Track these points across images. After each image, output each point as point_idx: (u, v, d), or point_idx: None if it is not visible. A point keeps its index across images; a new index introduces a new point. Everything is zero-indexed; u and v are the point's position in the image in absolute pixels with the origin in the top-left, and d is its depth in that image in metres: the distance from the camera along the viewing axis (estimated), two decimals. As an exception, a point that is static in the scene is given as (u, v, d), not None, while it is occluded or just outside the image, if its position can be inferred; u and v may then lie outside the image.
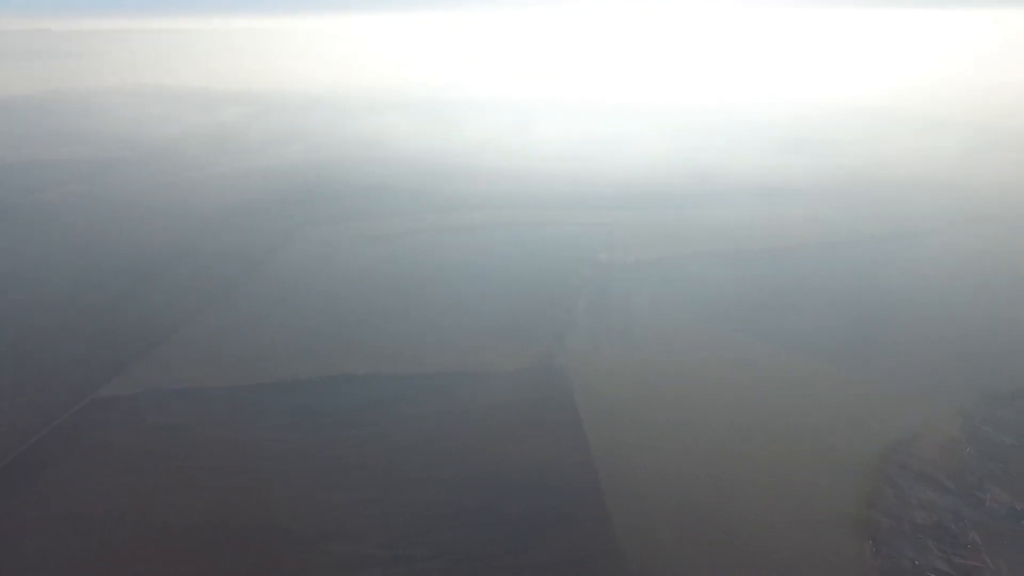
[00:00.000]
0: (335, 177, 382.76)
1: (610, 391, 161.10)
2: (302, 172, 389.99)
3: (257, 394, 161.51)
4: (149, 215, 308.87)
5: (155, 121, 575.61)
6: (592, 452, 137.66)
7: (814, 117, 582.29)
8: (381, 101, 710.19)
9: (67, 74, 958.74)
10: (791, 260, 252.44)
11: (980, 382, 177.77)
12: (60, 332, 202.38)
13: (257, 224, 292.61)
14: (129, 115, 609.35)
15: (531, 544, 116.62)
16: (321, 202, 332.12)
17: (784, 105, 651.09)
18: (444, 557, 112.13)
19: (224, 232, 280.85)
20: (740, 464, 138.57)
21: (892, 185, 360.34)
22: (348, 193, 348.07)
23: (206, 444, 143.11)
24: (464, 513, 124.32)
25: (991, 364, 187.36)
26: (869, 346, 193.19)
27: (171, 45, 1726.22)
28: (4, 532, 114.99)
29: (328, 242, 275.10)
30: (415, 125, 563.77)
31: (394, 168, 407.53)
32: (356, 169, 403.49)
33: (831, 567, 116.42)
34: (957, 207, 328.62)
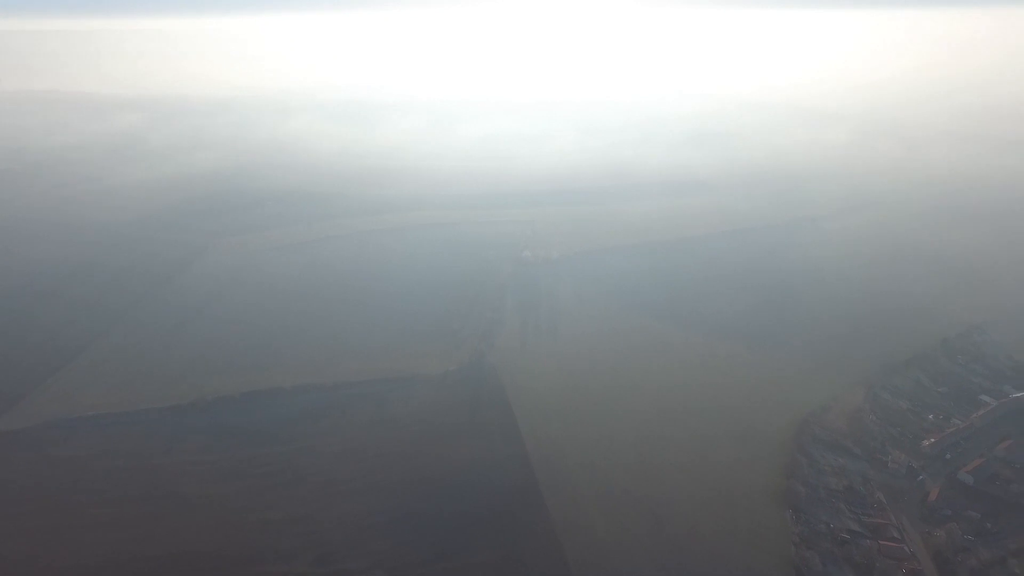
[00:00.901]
0: (248, 185, 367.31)
1: (541, 386, 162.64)
2: (212, 180, 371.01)
3: (174, 416, 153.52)
4: (44, 230, 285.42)
5: (45, 129, 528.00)
6: (527, 448, 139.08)
7: (716, 112, 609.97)
8: (291, 104, 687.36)
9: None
10: (702, 248, 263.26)
11: (877, 353, 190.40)
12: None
13: (166, 236, 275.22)
14: (15, 123, 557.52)
15: (470, 545, 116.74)
16: (234, 211, 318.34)
17: (689, 101, 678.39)
18: (381, 567, 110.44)
19: (129, 246, 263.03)
20: (666, 447, 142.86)
21: (788, 174, 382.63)
22: (263, 201, 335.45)
23: (119, 475, 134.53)
24: (401, 520, 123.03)
25: (885, 336, 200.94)
26: (777, 326, 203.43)
27: (61, 47, 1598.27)
28: None
29: (244, 252, 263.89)
30: (328, 128, 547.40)
31: (310, 173, 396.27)
32: (270, 175, 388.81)
33: (756, 538, 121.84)
34: (847, 193, 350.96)
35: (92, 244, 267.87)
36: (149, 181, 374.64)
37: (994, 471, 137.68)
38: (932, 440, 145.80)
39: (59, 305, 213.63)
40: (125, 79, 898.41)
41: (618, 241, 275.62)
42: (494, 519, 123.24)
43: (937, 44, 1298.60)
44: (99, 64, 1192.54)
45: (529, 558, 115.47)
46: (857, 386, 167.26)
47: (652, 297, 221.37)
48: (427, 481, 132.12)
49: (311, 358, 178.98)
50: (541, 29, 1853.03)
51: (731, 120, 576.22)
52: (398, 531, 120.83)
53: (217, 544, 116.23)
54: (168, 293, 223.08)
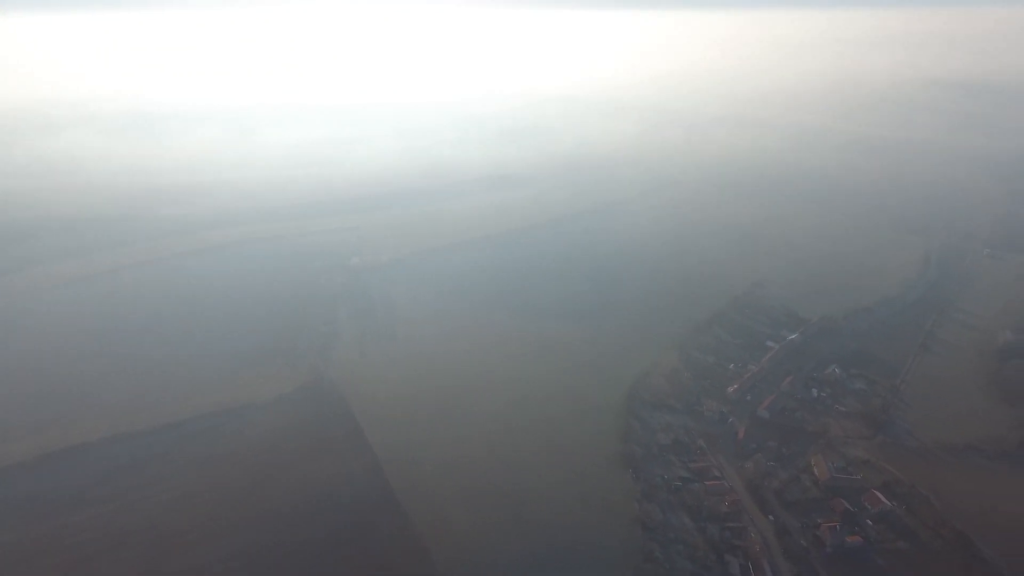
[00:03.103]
0: (16, 215, 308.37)
1: (385, 394, 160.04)
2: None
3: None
4: None
5: None
6: (379, 458, 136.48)
7: (523, 108, 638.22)
8: (56, 117, 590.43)
9: None
10: (526, 240, 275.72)
11: (685, 317, 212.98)
12: None
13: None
14: None
15: (335, 569, 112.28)
16: (6, 245, 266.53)
17: (497, 99, 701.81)
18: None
19: None
20: (513, 434, 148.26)
21: (594, 163, 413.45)
22: (41, 231, 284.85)
23: None
24: (255, 561, 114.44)
25: (690, 301, 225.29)
26: (600, 306, 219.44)
27: None
28: None
29: (24, 291, 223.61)
30: (107, 143, 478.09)
31: (92, 196, 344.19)
32: (42, 201, 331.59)
33: (606, 502, 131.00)
34: (647, 177, 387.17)
35: None
36: None
37: (783, 404, 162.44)
38: (735, 386, 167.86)
39: None
40: None
41: (446, 240, 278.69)
42: (355, 537, 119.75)
43: (710, 41, 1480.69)
44: None
45: (397, 566, 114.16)
46: (671, 349, 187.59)
47: (484, 291, 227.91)
48: (276, 514, 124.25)
49: (122, 404, 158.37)
50: (348, 30, 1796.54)
51: (538, 116, 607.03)
52: (250, 570, 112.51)
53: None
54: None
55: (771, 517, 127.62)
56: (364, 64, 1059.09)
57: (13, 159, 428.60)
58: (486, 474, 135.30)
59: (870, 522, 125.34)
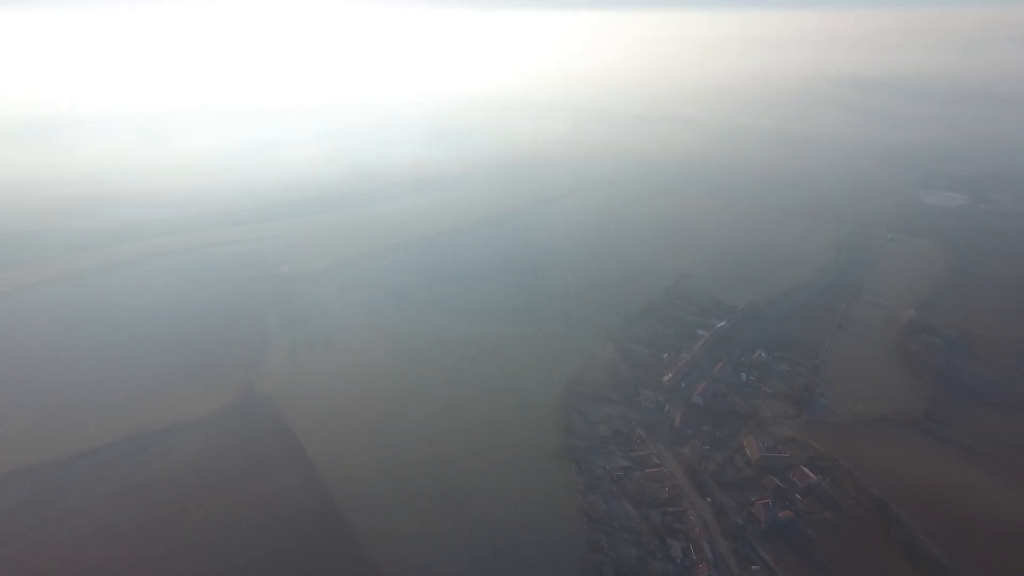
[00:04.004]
0: None
1: (321, 404, 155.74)
2: None
3: None
4: None
5: None
6: (319, 469, 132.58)
7: (452, 109, 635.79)
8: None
9: None
10: (459, 240, 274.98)
11: (618, 310, 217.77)
12: None
13: None
14: None
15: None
16: None
17: (424, 100, 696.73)
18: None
19: None
20: (455, 436, 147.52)
21: (523, 163, 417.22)
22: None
23: None
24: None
25: (622, 294, 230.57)
26: (535, 302, 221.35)
27: None
28: None
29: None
30: (8, 151, 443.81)
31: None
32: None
33: (550, 497, 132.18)
34: (575, 174, 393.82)
35: None
36: None
37: (715, 389, 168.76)
38: (669, 375, 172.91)
39: None
40: None
41: (377, 243, 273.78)
42: (297, 555, 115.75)
43: (633, 41, 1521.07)
44: None
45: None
46: (607, 342, 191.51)
47: (419, 294, 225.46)
48: (209, 540, 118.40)
49: (32, 433, 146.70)
50: (273, 30, 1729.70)
51: (467, 117, 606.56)
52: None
53: None
54: None
55: (709, 499, 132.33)
56: (287, 65, 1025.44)
57: None
58: (429, 478, 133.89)
59: (799, 496, 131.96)
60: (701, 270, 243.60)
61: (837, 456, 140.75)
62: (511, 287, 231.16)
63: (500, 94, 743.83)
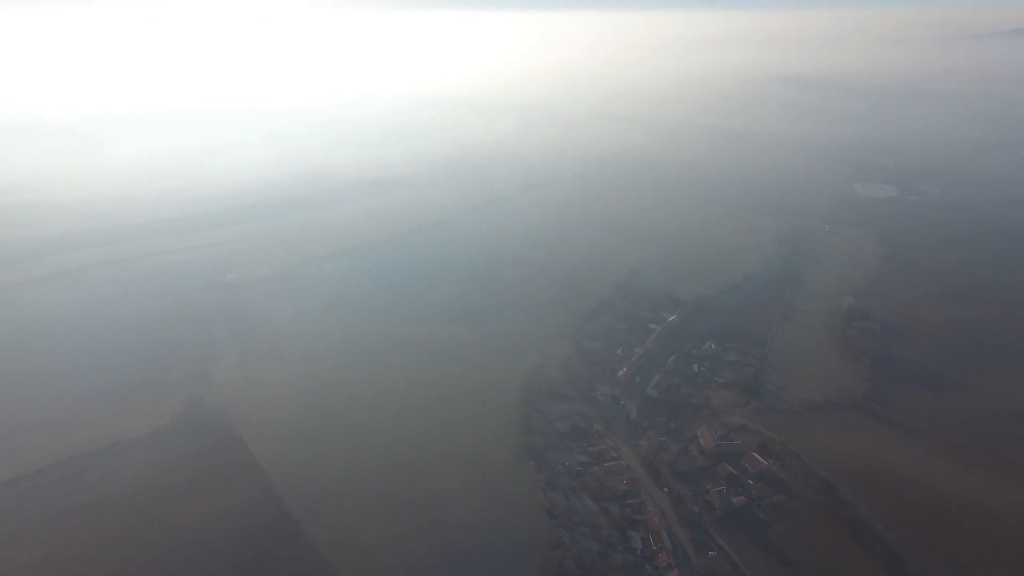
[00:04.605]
0: None
1: (274, 415, 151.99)
2: None
3: None
4: None
5: None
6: (274, 481, 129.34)
7: (400, 110, 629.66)
8: None
9: None
10: (411, 242, 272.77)
11: (572, 307, 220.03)
12: None
13: None
14: None
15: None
16: None
17: (373, 101, 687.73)
18: None
19: None
20: (414, 440, 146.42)
21: (474, 163, 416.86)
22: None
23: None
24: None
25: (576, 291, 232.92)
26: (490, 302, 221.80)
27: None
28: None
29: None
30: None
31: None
32: None
33: (512, 496, 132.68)
34: (525, 173, 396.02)
35: None
36: None
37: (669, 382, 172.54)
38: (624, 369, 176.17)
39: None
40: None
41: (328, 248, 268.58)
42: (254, 569, 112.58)
43: (579, 41, 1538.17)
44: None
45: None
46: (562, 339, 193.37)
47: (373, 298, 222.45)
48: (159, 561, 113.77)
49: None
50: (205, 32, 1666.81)
51: (415, 117, 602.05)
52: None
53: None
54: None
55: (666, 489, 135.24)
56: (231, 67, 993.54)
57: None
58: (389, 484, 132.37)
59: (751, 482, 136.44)
60: (652, 265, 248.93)
61: (786, 441, 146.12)
62: (466, 288, 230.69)
63: (451, 95, 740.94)
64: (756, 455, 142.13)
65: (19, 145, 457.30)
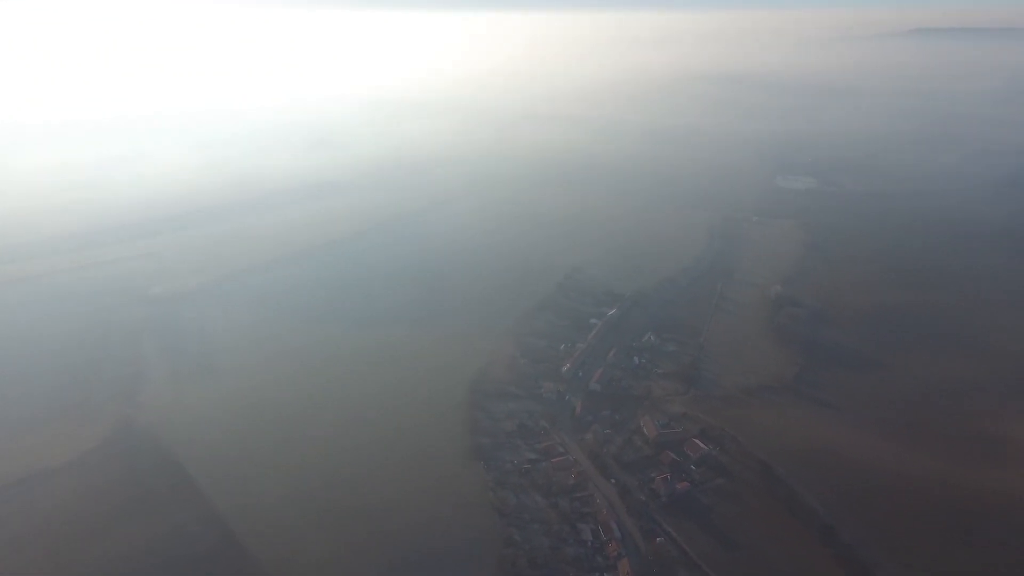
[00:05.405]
0: None
1: (211, 433, 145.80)
2: None
3: None
4: None
5: None
6: (214, 503, 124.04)
7: (337, 113, 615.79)
8: None
9: None
10: (350, 248, 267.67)
11: (515, 306, 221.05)
12: None
13: None
14: None
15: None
16: None
17: (308, 104, 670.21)
18: None
19: None
20: (360, 449, 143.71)
21: (413, 165, 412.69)
22: None
23: None
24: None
25: (518, 290, 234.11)
26: (433, 305, 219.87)
27: None
28: None
29: None
30: None
31: None
32: None
33: (462, 497, 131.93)
34: (466, 176, 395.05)
35: None
36: None
37: (611, 375, 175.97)
38: (568, 365, 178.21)
39: None
40: None
41: (262, 256, 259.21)
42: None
43: (513, 42, 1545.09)
44: None
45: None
46: (507, 338, 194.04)
47: (311, 307, 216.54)
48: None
49: None
50: (124, 33, 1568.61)
51: (351, 120, 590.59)
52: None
53: None
54: None
55: (613, 480, 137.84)
56: (158, 69, 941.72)
57: None
58: (337, 495, 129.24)
59: (693, 467, 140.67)
60: (592, 262, 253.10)
61: (724, 426, 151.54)
62: (407, 293, 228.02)
63: (387, 97, 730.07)
64: (697, 441, 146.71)
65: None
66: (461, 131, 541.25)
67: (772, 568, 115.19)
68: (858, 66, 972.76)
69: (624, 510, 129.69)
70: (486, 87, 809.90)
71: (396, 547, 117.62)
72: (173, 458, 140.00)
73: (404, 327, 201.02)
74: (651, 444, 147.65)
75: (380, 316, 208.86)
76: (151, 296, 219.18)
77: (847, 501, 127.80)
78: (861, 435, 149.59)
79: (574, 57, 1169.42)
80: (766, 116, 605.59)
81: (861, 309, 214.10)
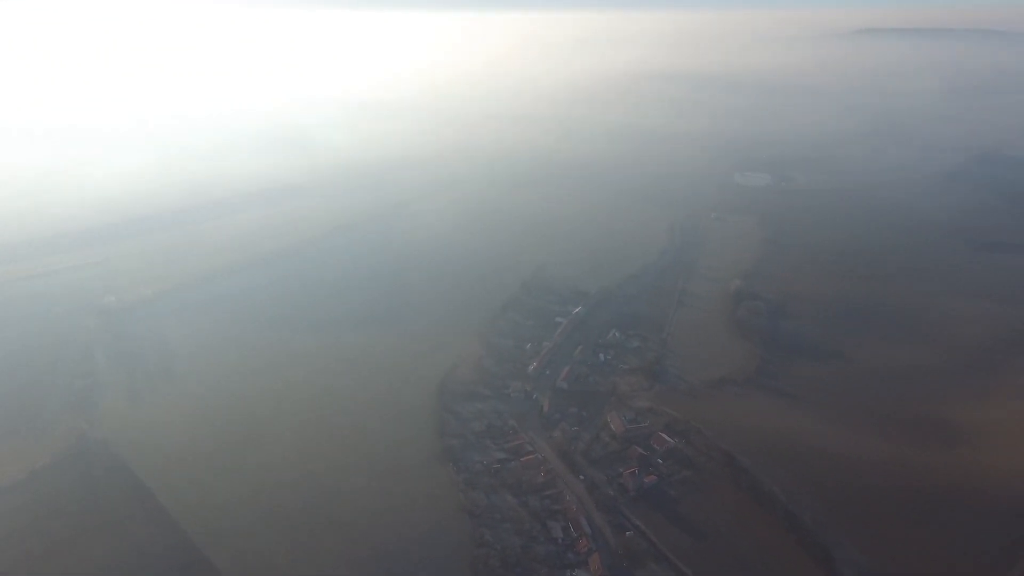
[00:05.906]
0: None
1: (170, 443, 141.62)
2: None
3: None
4: None
5: None
6: (176, 516, 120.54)
7: (296, 114, 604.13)
8: None
9: None
10: (313, 251, 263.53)
11: (481, 306, 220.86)
12: None
13: None
14: None
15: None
16: None
17: (261, 105, 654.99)
18: None
19: None
20: (327, 455, 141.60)
21: (377, 166, 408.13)
22: None
23: None
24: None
25: (484, 290, 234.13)
26: (399, 308, 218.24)
27: None
28: None
29: None
30: None
31: None
32: None
33: (433, 500, 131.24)
34: (430, 177, 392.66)
35: None
36: None
37: (578, 372, 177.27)
38: (535, 364, 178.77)
39: None
40: None
41: (222, 262, 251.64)
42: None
43: (471, 43, 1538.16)
44: None
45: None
46: (473, 338, 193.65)
47: (272, 312, 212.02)
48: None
49: None
50: (70, 29, 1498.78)
51: (312, 121, 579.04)
52: None
53: None
54: None
55: (581, 476, 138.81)
56: (111, 70, 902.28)
57: None
58: (304, 503, 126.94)
59: (660, 461, 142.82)
60: (556, 261, 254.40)
61: (689, 419, 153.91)
62: (372, 295, 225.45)
63: (349, 98, 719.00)
64: (663, 435, 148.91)
65: None
66: (427, 132, 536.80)
67: (739, 556, 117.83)
68: (808, 65, 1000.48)
69: (593, 506, 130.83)
70: (447, 88, 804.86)
71: (368, 551, 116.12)
72: (130, 470, 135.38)
73: (369, 330, 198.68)
74: (618, 439, 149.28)
75: (344, 319, 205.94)
76: (103, 305, 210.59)
77: (809, 487, 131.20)
78: (821, 423, 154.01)
79: (535, 57, 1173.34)
80: (722, 114, 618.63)
81: (818, 301, 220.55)
